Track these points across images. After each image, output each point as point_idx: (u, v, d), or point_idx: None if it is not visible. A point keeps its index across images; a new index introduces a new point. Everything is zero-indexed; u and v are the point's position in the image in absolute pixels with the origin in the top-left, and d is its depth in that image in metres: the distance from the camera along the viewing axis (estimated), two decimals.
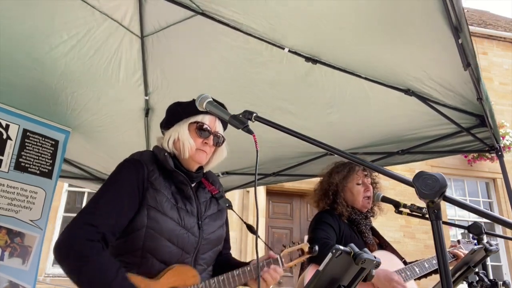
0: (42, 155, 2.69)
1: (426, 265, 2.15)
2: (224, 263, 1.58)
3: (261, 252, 1.39)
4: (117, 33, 2.15)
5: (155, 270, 1.35)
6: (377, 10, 1.71)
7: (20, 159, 2.58)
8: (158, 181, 1.41)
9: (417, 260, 2.19)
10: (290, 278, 6.91)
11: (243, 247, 6.84)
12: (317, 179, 2.47)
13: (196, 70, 2.40)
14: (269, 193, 7.62)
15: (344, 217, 2.20)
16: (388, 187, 6.57)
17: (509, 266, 8.01)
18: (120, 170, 1.42)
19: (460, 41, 1.62)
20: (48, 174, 2.71)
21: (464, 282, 1.77)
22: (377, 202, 2.25)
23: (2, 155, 2.51)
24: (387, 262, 2.02)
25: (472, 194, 8.76)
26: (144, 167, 1.41)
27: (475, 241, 2.04)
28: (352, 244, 0.98)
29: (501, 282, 1.67)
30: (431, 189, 0.74)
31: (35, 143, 2.67)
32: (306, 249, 1.64)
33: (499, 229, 7.06)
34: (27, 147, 2.62)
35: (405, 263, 2.18)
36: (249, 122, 1.08)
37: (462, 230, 7.39)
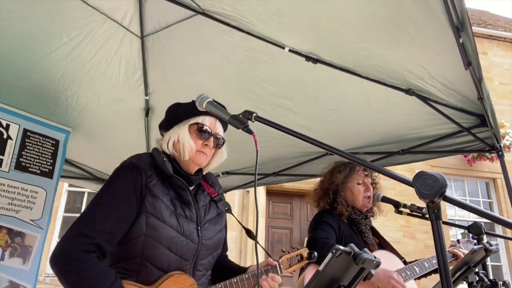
0: (43, 155, 2.69)
1: (426, 265, 2.15)
2: (223, 267, 1.58)
3: (261, 256, 1.39)
4: (117, 33, 2.15)
5: (153, 277, 1.34)
6: (377, 10, 1.71)
7: (21, 159, 2.58)
8: (157, 187, 1.38)
9: (417, 260, 2.20)
10: (290, 278, 6.91)
11: (243, 247, 6.84)
12: (317, 179, 2.47)
13: (197, 70, 2.40)
14: (269, 193, 7.61)
15: (344, 216, 2.20)
16: (388, 187, 6.57)
17: (509, 266, 8.01)
18: (117, 176, 1.39)
19: (461, 40, 1.62)
20: (48, 174, 2.71)
21: (464, 282, 1.77)
22: (377, 202, 2.26)
23: (3, 154, 2.51)
24: (387, 262, 2.02)
25: (472, 194, 8.76)
26: (142, 173, 1.38)
27: (475, 240, 2.04)
28: (352, 244, 0.98)
29: (501, 282, 1.67)
30: (431, 189, 0.74)
31: (36, 143, 2.67)
32: (305, 254, 1.64)
33: (499, 229, 7.06)
34: (27, 147, 2.62)
35: (405, 262, 2.18)
36: (249, 122, 1.08)
37: (462, 230, 7.39)
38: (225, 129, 1.55)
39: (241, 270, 1.53)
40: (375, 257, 0.99)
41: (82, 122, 2.83)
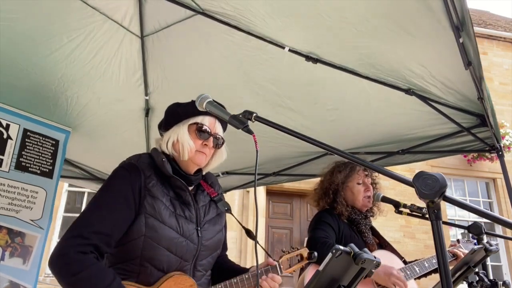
0: (43, 155, 2.69)
1: (426, 265, 2.15)
2: (222, 267, 1.58)
3: (261, 257, 1.39)
4: (117, 34, 2.16)
5: (153, 278, 1.33)
6: (377, 9, 1.71)
7: (21, 159, 2.58)
8: (156, 188, 1.38)
9: (417, 260, 2.20)
10: (290, 278, 6.91)
11: (243, 247, 6.84)
12: (317, 179, 2.47)
13: (197, 69, 2.40)
14: (269, 193, 7.61)
15: (343, 216, 2.20)
16: (388, 187, 6.57)
17: (509, 266, 8.01)
18: (115, 177, 1.39)
19: (461, 40, 1.62)
20: (48, 174, 2.71)
21: (464, 282, 1.77)
22: (377, 202, 2.26)
23: (3, 154, 2.51)
24: (387, 262, 2.02)
25: (472, 194, 8.76)
26: (141, 173, 1.38)
27: (475, 240, 2.04)
28: (352, 244, 0.98)
29: (501, 282, 1.67)
30: (431, 189, 0.74)
31: (36, 142, 2.67)
32: (305, 254, 1.64)
33: (499, 229, 7.06)
34: (27, 147, 2.62)
35: (405, 262, 2.18)
36: (249, 122, 1.08)
37: (462, 230, 7.39)
38: (224, 129, 1.54)
39: (241, 270, 1.53)
40: (375, 257, 0.99)
41: (82, 122, 2.83)
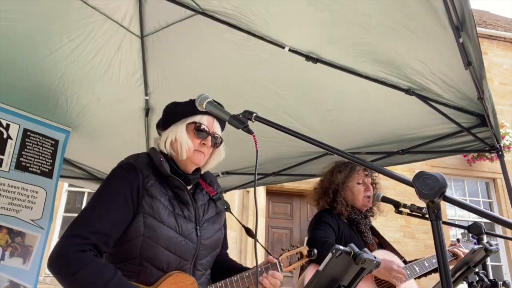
0: (43, 155, 2.69)
1: (426, 264, 2.15)
2: (223, 266, 1.58)
3: (261, 257, 1.39)
4: (117, 34, 2.15)
5: (153, 277, 1.33)
6: (378, 8, 1.71)
7: (21, 159, 2.58)
8: (154, 188, 1.38)
9: (417, 259, 2.20)
10: (290, 278, 6.91)
11: (243, 247, 6.84)
12: (317, 179, 2.47)
13: (197, 69, 2.40)
14: (269, 193, 7.61)
15: (343, 216, 2.20)
16: (388, 187, 6.57)
17: (509, 266, 8.01)
18: (113, 177, 1.39)
19: (461, 40, 1.62)
20: (48, 174, 2.71)
21: (464, 282, 1.77)
22: (377, 202, 2.26)
23: (3, 154, 2.51)
24: None
25: (472, 194, 8.76)
26: (139, 173, 1.38)
27: (475, 239, 2.04)
28: (352, 244, 0.98)
29: (501, 282, 1.67)
30: (431, 189, 0.74)
31: (36, 142, 2.67)
32: (305, 252, 1.64)
33: (499, 229, 7.06)
34: (27, 147, 2.62)
35: (405, 262, 2.18)
36: (249, 122, 1.08)
37: (462, 230, 7.39)
38: (222, 128, 1.54)
39: (241, 269, 1.53)
40: (375, 257, 0.99)
41: (82, 122, 2.83)
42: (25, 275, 2.48)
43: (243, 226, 1.63)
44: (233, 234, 6.64)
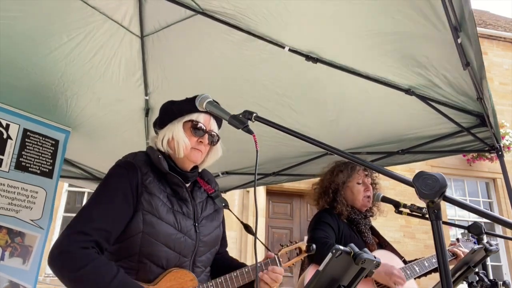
0: (43, 155, 2.69)
1: (426, 264, 2.15)
2: (222, 264, 1.58)
3: (261, 255, 1.39)
4: (117, 33, 2.15)
5: (153, 274, 1.34)
6: (378, 7, 1.71)
7: (21, 159, 2.58)
8: (153, 185, 1.39)
9: (417, 259, 2.20)
10: (290, 278, 6.91)
11: (243, 247, 6.84)
12: (317, 179, 2.47)
13: (197, 69, 2.40)
14: (269, 193, 7.61)
15: (343, 216, 2.20)
16: (388, 187, 6.57)
17: (509, 266, 8.01)
18: (113, 175, 1.40)
19: (459, 40, 1.62)
20: (48, 174, 2.71)
21: (464, 282, 1.77)
22: (377, 202, 2.26)
23: (3, 154, 2.51)
24: (387, 262, 2.02)
25: (472, 194, 8.76)
26: (138, 170, 1.38)
27: (475, 239, 2.04)
28: (352, 244, 0.98)
29: (501, 282, 1.67)
30: (431, 189, 0.74)
31: (36, 142, 2.67)
32: (303, 247, 1.65)
33: (499, 229, 7.06)
34: (27, 147, 2.62)
35: (405, 262, 2.18)
36: (249, 122, 1.08)
37: (462, 230, 7.39)
38: (219, 126, 1.55)
39: (240, 266, 1.53)
40: (375, 257, 0.99)
41: (82, 122, 2.83)
42: (25, 275, 2.48)
43: (241, 222, 1.64)
44: (233, 234, 6.64)
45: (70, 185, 6.97)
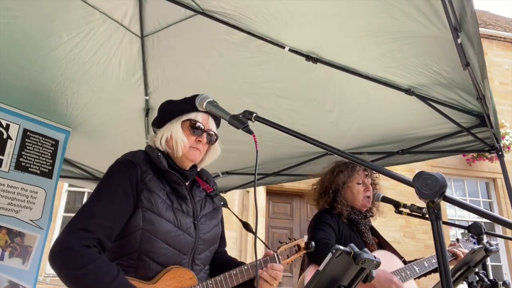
0: (43, 155, 2.69)
1: (426, 264, 2.15)
2: (222, 263, 1.58)
3: (261, 253, 1.38)
4: (117, 33, 2.15)
5: (152, 272, 1.34)
6: (378, 7, 1.70)
7: (21, 159, 2.58)
8: (152, 182, 1.39)
9: (416, 259, 2.20)
10: (290, 278, 6.91)
11: (243, 247, 6.84)
12: (317, 179, 2.47)
13: (197, 69, 2.40)
14: (269, 193, 7.61)
15: (343, 216, 2.20)
16: (388, 187, 6.57)
17: (509, 266, 8.01)
18: (112, 172, 1.40)
19: (459, 41, 1.62)
20: (48, 174, 2.71)
21: (464, 282, 1.77)
22: (377, 202, 2.26)
23: (3, 154, 2.51)
24: (387, 262, 2.02)
25: (472, 194, 8.76)
26: (137, 168, 1.39)
27: (474, 239, 2.04)
28: (352, 244, 0.98)
29: (501, 282, 1.67)
30: (431, 189, 0.74)
31: (36, 142, 2.67)
32: (302, 244, 1.65)
33: (499, 229, 7.06)
34: (27, 147, 2.62)
35: (404, 262, 2.18)
36: (249, 122, 1.08)
37: (462, 230, 7.39)
38: (217, 125, 1.56)
39: (240, 265, 1.53)
40: (375, 257, 0.99)
41: (82, 122, 2.83)
42: (25, 275, 2.48)
43: (240, 220, 1.64)
44: (233, 234, 6.64)
45: (70, 185, 6.96)
